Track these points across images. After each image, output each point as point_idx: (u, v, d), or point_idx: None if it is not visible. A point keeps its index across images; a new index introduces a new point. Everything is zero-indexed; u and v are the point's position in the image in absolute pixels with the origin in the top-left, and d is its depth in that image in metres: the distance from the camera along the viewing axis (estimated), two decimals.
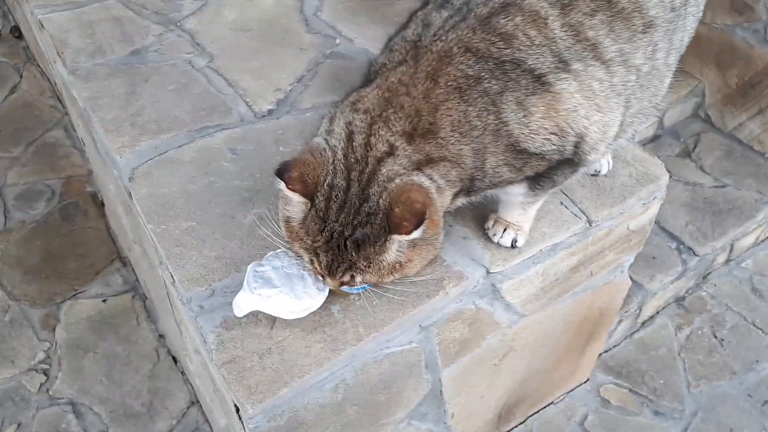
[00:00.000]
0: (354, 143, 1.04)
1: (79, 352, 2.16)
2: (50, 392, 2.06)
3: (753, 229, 2.58)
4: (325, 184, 1.03)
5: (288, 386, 1.07)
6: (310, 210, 1.04)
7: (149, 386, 2.07)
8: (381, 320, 1.17)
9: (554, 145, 1.05)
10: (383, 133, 1.02)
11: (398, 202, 0.98)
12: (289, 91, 1.71)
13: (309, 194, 1.03)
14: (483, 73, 1.02)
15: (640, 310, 2.33)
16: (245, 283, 1.10)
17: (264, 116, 1.62)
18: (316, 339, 1.13)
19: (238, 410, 1.12)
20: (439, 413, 1.59)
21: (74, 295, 2.31)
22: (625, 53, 1.07)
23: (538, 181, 1.13)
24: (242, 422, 1.11)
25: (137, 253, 1.94)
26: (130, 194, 1.41)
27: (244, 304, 1.08)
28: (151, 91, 1.66)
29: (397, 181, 1.00)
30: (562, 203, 1.43)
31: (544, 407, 2.15)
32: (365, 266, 1.02)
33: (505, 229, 1.30)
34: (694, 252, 2.39)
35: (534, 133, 1.03)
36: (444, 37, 1.05)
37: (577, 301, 1.69)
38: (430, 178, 1.02)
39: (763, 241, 2.72)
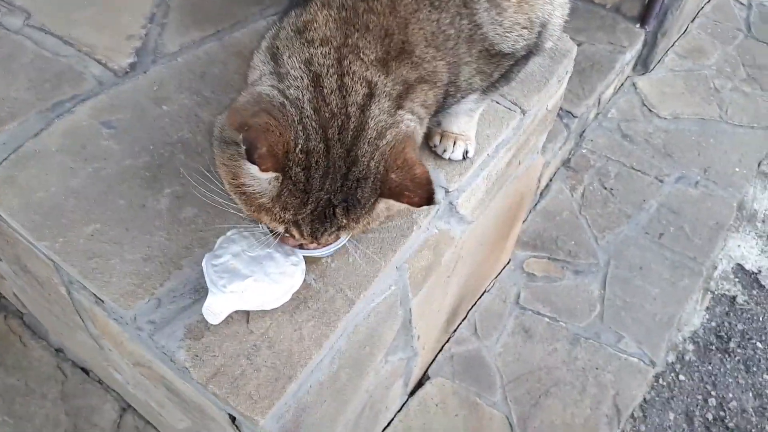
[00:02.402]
0: (324, 90, 0.84)
1: None
2: None
3: (613, 79, 2.72)
4: (297, 151, 0.83)
5: (294, 379, 0.92)
6: (284, 183, 0.84)
7: (66, 409, 1.79)
8: (365, 276, 1.04)
9: (525, 40, 0.94)
10: (357, 68, 0.84)
11: (394, 165, 0.83)
12: (145, 35, 1.41)
13: (281, 167, 0.83)
14: None
15: (539, 182, 2.40)
16: (209, 282, 0.91)
17: (127, 73, 1.33)
18: (304, 318, 0.98)
19: (234, 420, 0.96)
20: (407, 340, 1.53)
21: None
22: None
23: (496, 83, 1.03)
24: None
25: (3, 271, 1.59)
26: None
27: (218, 307, 0.90)
28: None
29: (389, 137, 0.84)
30: (492, 100, 1.34)
31: (480, 297, 2.18)
32: (354, 225, 0.88)
33: (454, 142, 1.20)
34: (572, 114, 2.47)
35: (508, 31, 0.91)
36: None
37: (506, 193, 1.67)
38: (412, 112, 0.87)
39: (619, 89, 2.88)
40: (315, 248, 0.97)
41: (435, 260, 1.34)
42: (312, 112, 0.83)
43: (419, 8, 0.86)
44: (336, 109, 0.83)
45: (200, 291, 0.97)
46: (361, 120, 0.84)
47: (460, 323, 2.10)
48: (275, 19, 0.94)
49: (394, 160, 0.83)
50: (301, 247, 0.96)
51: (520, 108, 1.35)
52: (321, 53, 0.85)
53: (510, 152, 1.42)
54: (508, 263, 2.29)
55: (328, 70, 0.84)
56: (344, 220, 0.86)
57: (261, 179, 0.83)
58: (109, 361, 1.42)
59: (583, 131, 2.69)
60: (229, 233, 0.97)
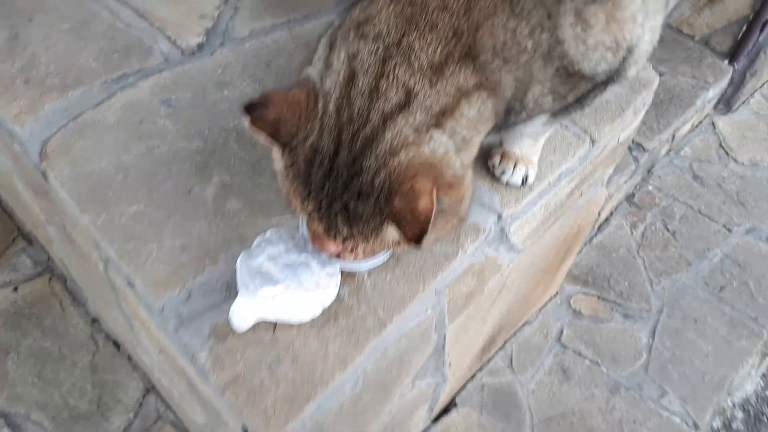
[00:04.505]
0: (353, 90, 0.79)
1: None
2: None
3: (691, 116, 2.58)
4: (306, 144, 0.81)
5: (312, 400, 0.88)
6: (288, 164, 0.82)
7: (93, 380, 1.80)
8: (400, 298, 0.99)
9: (608, 63, 0.87)
10: (401, 72, 0.78)
11: (399, 190, 0.76)
12: (217, 17, 1.39)
13: (279, 141, 0.81)
14: None
15: (599, 214, 2.29)
16: (240, 283, 0.87)
17: (194, 53, 1.31)
18: (332, 334, 0.94)
19: (246, 431, 0.92)
20: (438, 365, 1.47)
21: None
22: None
23: (568, 106, 0.95)
24: None
25: (52, 235, 1.61)
26: (45, 176, 1.10)
27: (246, 312, 0.86)
28: (41, 33, 1.29)
29: (403, 156, 0.78)
30: (561, 124, 1.26)
31: (520, 328, 2.10)
32: (359, 239, 0.83)
33: (515, 165, 1.13)
34: (643, 147, 2.35)
35: (591, 51, 0.84)
36: None
37: (563, 224, 1.58)
38: (452, 134, 0.80)
39: (697, 126, 2.73)
40: (352, 260, 0.92)
41: (478, 287, 1.27)
42: (333, 111, 0.79)
43: (496, 12, 0.79)
44: (356, 113, 0.78)
45: (232, 290, 0.94)
46: (378, 130, 0.78)
47: (496, 352, 2.02)
48: (344, 10, 0.90)
49: (399, 183, 0.76)
50: (338, 257, 0.91)
51: (590, 137, 1.27)
52: (368, 50, 0.79)
53: (573, 182, 1.34)
54: (555, 296, 2.19)
55: (366, 70, 0.79)
56: (346, 230, 0.81)
57: (272, 147, 0.81)
58: (139, 341, 1.41)
59: (652, 166, 2.56)
60: (268, 233, 0.93)
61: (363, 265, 0.95)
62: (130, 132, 1.15)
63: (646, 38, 0.89)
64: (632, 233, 2.39)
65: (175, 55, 1.30)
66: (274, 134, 0.80)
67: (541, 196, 1.23)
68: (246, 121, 0.78)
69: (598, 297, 2.21)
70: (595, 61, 0.85)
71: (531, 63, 0.82)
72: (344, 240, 0.83)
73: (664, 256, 2.33)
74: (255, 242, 0.92)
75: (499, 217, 1.14)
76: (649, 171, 2.56)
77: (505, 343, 2.05)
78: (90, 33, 1.31)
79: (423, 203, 0.75)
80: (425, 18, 0.79)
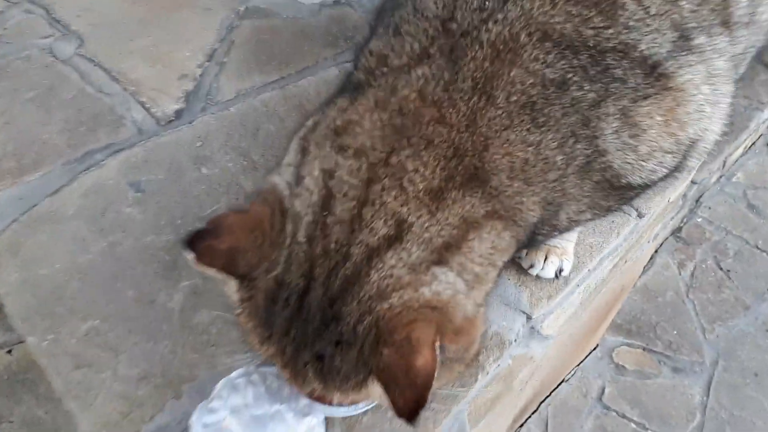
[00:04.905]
0: (330, 217, 0.62)
1: None
2: None
3: (744, 139, 2.32)
4: (269, 276, 0.63)
5: None
6: (244, 297, 0.65)
7: None
8: None
9: (666, 168, 0.68)
10: (389, 199, 0.61)
11: (390, 340, 0.58)
12: (200, 76, 1.23)
13: (235, 274, 0.64)
14: (571, 75, 0.61)
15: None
16: None
17: (171, 121, 1.16)
18: None
19: None
20: None
21: None
22: (756, 4, 0.69)
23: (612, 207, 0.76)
24: None
25: None
26: None
27: None
28: (2, 104, 1.15)
29: (395, 300, 0.60)
30: None
31: (556, 387, 1.89)
32: (334, 395, 0.64)
33: (546, 257, 0.93)
34: (692, 180, 2.11)
35: (644, 159, 0.65)
36: (501, 15, 0.62)
37: (604, 293, 1.38)
38: (461, 272, 0.62)
39: (749, 148, 2.48)
40: (338, 405, 0.74)
41: (505, 388, 1.08)
42: (305, 240, 0.62)
43: (511, 125, 0.61)
44: (334, 246, 0.61)
45: None
46: (361, 268, 0.60)
47: (529, 417, 1.82)
48: (322, 104, 0.71)
49: (391, 332, 0.58)
50: (320, 400, 0.73)
51: (637, 211, 1.06)
52: (349, 168, 0.62)
53: (617, 258, 1.14)
54: (594, 348, 1.98)
55: (345, 193, 0.61)
56: (318, 384, 0.63)
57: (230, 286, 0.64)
58: None
59: (701, 195, 2.31)
60: (234, 374, 0.75)
61: (355, 409, 0.77)
62: (91, 224, 0.99)
63: (715, 128, 0.70)
64: (680, 273, 2.15)
65: (149, 125, 1.14)
66: (229, 267, 0.63)
67: (580, 284, 1.04)
68: (189, 257, 0.61)
69: (644, 348, 1.99)
70: (649, 170, 0.66)
71: (563, 181, 0.63)
72: (314, 395, 0.65)
73: (717, 299, 2.08)
74: (216, 389, 0.74)
75: (529, 318, 0.95)
76: (698, 201, 2.32)
77: (540, 405, 1.85)
78: (56, 101, 1.16)
79: (422, 359, 0.57)
80: (419, 131, 0.61)
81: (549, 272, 0.94)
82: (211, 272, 0.64)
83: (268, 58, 1.27)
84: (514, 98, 0.61)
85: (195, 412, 0.72)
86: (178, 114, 1.16)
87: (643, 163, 0.65)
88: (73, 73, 1.22)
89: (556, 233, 0.71)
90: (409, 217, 0.60)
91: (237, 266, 0.63)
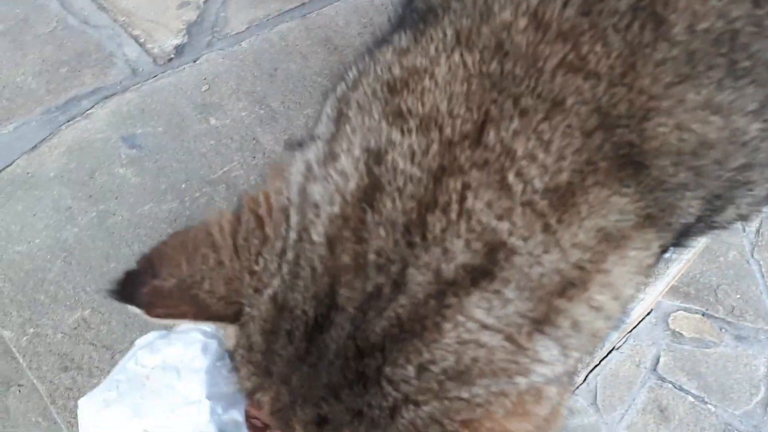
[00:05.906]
0: (372, 213, 0.40)
1: None
2: None
3: None
4: (264, 297, 0.43)
5: None
6: (238, 340, 0.45)
7: None
8: None
9: None
10: (479, 206, 0.38)
11: None
12: (205, 2, 1.02)
13: (213, 316, 0.45)
14: None
15: None
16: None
17: (171, 60, 0.96)
18: None
19: None
20: None
21: None
22: None
23: None
24: None
25: None
26: None
27: None
28: None
29: (481, 391, 0.39)
30: None
31: (606, 355, 1.73)
32: None
33: None
34: None
35: None
36: None
37: None
38: (572, 331, 0.40)
39: None
40: None
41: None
42: (322, 239, 0.41)
43: (691, 75, 0.39)
44: (374, 259, 0.39)
45: None
46: (426, 313, 0.38)
47: (576, 388, 1.67)
48: (369, 44, 0.49)
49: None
50: None
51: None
52: (408, 148, 0.39)
53: None
54: (649, 313, 1.80)
55: (401, 187, 0.39)
56: None
57: None
58: None
59: None
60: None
61: None
62: (77, 190, 0.81)
63: None
64: (744, 229, 1.95)
65: (145, 64, 0.94)
66: (201, 311, 0.44)
67: None
68: (138, 312, 0.43)
69: (703, 314, 1.81)
70: None
71: (749, 165, 0.42)
72: None
73: None
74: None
75: None
76: None
77: (587, 375, 1.70)
78: (31, 36, 0.97)
79: None
80: (535, 85, 0.38)
81: None
82: (187, 324, 0.45)
83: None
84: (704, 25, 0.38)
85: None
86: (179, 50, 0.96)
87: None
88: (52, 0, 1.01)
89: (711, 225, 0.50)
90: (510, 238, 0.38)
91: (208, 306, 0.43)
